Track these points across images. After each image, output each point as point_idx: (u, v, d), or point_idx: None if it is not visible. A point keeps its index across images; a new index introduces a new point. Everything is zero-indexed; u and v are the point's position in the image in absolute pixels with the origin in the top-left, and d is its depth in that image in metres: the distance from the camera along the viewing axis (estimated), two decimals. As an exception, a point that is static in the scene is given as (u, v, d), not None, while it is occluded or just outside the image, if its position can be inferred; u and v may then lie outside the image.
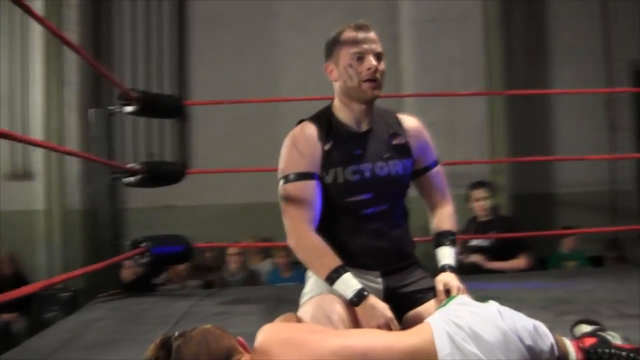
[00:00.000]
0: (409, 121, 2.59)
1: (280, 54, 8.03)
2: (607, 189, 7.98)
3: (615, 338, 2.23)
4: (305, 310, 2.34)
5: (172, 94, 4.73)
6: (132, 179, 4.14)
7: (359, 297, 2.25)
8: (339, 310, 2.26)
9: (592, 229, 6.45)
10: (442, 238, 2.56)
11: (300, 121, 2.54)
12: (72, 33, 7.08)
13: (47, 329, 3.58)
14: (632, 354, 2.09)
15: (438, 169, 2.64)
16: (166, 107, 4.41)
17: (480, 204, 5.29)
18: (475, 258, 5.11)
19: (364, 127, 2.48)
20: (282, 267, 6.62)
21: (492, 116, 7.01)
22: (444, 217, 2.61)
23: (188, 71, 7.87)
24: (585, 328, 2.36)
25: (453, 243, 2.55)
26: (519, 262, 5.16)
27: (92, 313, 3.80)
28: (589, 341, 2.18)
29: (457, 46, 7.03)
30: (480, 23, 7.09)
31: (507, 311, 2.04)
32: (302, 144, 2.43)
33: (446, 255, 2.50)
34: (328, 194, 2.41)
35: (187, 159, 7.60)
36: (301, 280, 6.38)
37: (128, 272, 5.70)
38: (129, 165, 4.14)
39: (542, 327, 2.03)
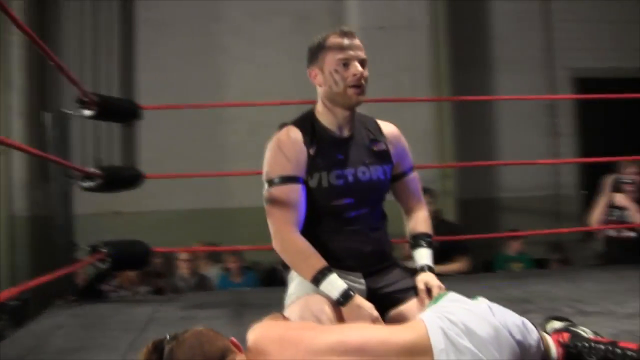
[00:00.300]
0: (388, 127, 2.65)
1: (226, 59, 7.99)
2: (550, 193, 8.19)
3: (587, 333, 2.31)
4: (292, 310, 2.35)
5: (129, 98, 4.65)
6: (90, 183, 4.07)
7: (345, 297, 2.28)
8: (327, 310, 2.28)
9: (537, 231, 6.60)
10: (419, 240, 2.62)
11: (282, 125, 2.56)
12: (17, 35, 6.96)
13: (8, 338, 3.51)
14: (610, 347, 2.16)
15: (414, 174, 2.71)
16: (125, 111, 4.36)
17: None
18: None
19: (346, 133, 2.52)
20: (233, 272, 6.61)
21: (440, 122, 7.12)
22: (420, 220, 2.68)
23: (134, 75, 7.78)
24: (557, 324, 2.44)
25: (430, 245, 2.62)
26: (459, 265, 5.23)
27: (52, 320, 3.73)
28: (566, 336, 2.25)
29: (405, 53, 7.12)
30: (428, 31, 7.19)
31: (497, 307, 2.09)
32: (287, 148, 2.45)
33: (424, 256, 2.57)
34: (312, 197, 2.44)
35: (134, 163, 7.51)
36: (251, 285, 6.40)
37: (78, 279, 5.61)
38: (89, 169, 4.07)
39: (529, 323, 2.10)
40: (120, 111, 4.37)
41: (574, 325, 2.40)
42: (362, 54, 2.46)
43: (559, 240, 7.45)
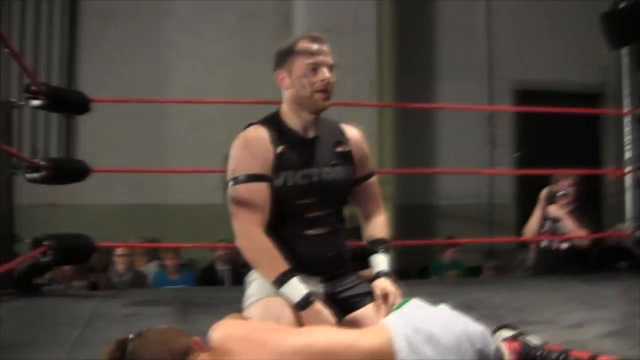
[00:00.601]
0: (351, 131, 2.67)
1: (172, 54, 7.93)
2: (485, 202, 8.34)
3: (536, 341, 2.37)
4: (253, 312, 2.34)
5: (79, 90, 4.57)
6: (36, 175, 3.98)
7: (306, 302, 2.29)
8: (287, 313, 2.28)
9: (474, 239, 6.71)
10: (376, 245, 2.64)
11: (249, 125, 2.55)
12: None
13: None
14: (562, 355, 2.22)
15: (374, 179, 2.74)
16: (74, 103, 4.28)
17: None
18: None
19: (311, 134, 2.54)
20: (171, 269, 6.56)
21: (381, 127, 7.17)
22: (378, 225, 2.70)
23: (77, 67, 7.65)
24: (507, 333, 2.49)
25: (387, 250, 2.63)
26: (370, 271, 5.16)
27: (-10, 314, 3.65)
28: (518, 344, 2.31)
29: (350, 57, 7.14)
30: (373, 35, 7.24)
31: (459, 315, 2.13)
32: (254, 145, 2.44)
33: (381, 261, 2.59)
34: (276, 197, 2.43)
35: (73, 156, 7.38)
36: (188, 283, 6.34)
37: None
38: (35, 160, 3.99)
39: (488, 332, 2.14)
40: (70, 103, 4.29)
41: (524, 333, 2.45)
42: (330, 60, 2.48)
43: (493, 248, 7.60)
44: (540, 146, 8.24)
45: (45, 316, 3.60)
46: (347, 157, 2.58)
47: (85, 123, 7.44)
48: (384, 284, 2.47)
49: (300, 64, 2.45)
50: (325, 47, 2.48)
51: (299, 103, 2.49)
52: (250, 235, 2.40)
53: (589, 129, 8.73)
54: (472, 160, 8.00)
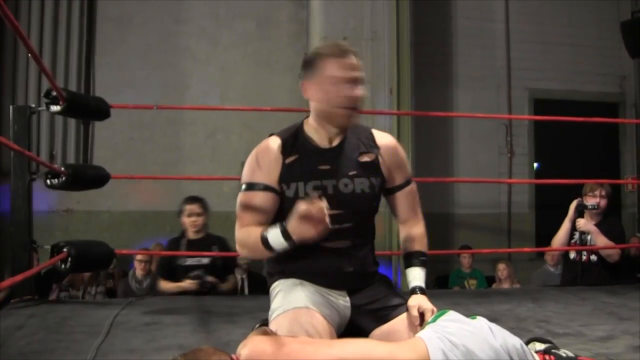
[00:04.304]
0: (383, 138, 2.58)
1: (188, 61, 7.90)
2: (503, 211, 8.29)
3: (568, 354, 2.31)
4: (280, 324, 2.28)
5: (98, 96, 4.53)
6: (55, 181, 3.95)
7: (285, 232, 2.21)
8: (316, 323, 2.24)
9: (499, 249, 6.64)
10: (412, 258, 2.57)
11: (270, 135, 2.51)
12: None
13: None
14: (597, 368, 2.17)
15: (411, 187, 2.63)
16: (94, 109, 4.24)
17: (192, 219, 5.07)
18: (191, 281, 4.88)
19: (334, 143, 2.47)
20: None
21: (399, 135, 7.10)
22: (415, 237, 2.62)
23: (93, 71, 7.65)
24: (539, 346, 2.44)
25: (424, 264, 2.56)
26: (228, 284, 5.05)
27: (9, 321, 3.58)
28: (552, 358, 2.25)
29: (367, 64, 7.06)
30: (391, 44, 7.19)
31: (496, 328, 2.07)
32: (262, 155, 2.44)
33: (417, 276, 2.52)
34: (290, 207, 2.29)
35: (89, 162, 7.38)
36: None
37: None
38: (54, 166, 3.96)
39: (525, 345, 2.09)
40: (90, 108, 4.25)
41: (556, 347, 2.39)
42: (359, 74, 2.39)
43: (508, 258, 7.51)
44: (559, 156, 8.19)
45: (64, 323, 3.54)
46: (371, 167, 2.50)
47: (101, 129, 7.45)
48: (420, 301, 2.38)
49: (328, 77, 2.37)
50: (354, 60, 2.39)
51: (322, 116, 2.43)
52: (241, 234, 2.39)
53: (607, 138, 8.69)
54: (490, 169, 7.95)
